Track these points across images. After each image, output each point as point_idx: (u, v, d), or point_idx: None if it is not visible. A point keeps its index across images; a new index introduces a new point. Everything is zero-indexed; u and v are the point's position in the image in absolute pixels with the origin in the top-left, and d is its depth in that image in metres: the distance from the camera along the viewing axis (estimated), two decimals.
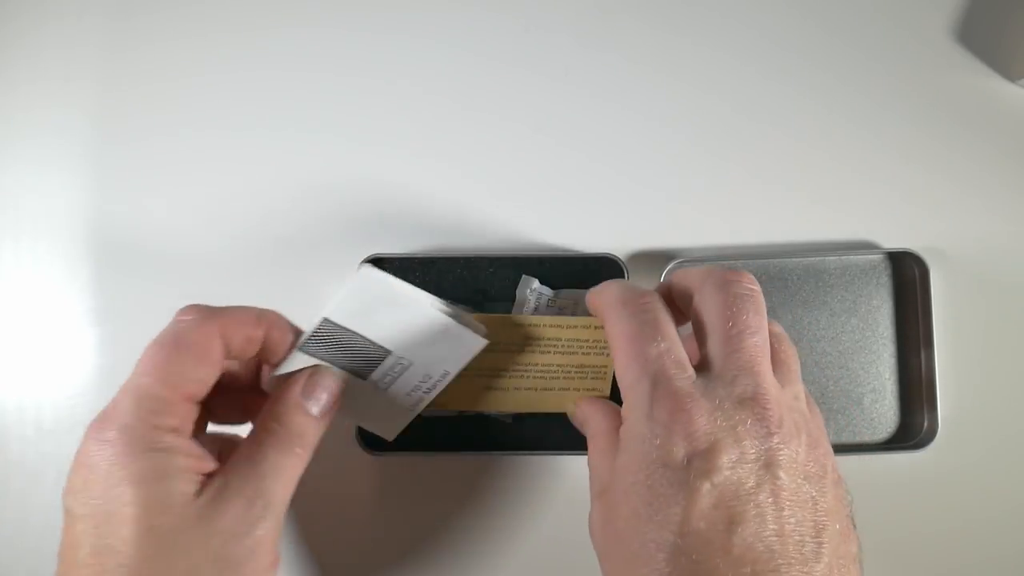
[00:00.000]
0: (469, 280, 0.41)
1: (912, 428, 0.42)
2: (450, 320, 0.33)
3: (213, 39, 0.44)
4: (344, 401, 0.33)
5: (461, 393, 0.36)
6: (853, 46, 0.44)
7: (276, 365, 0.32)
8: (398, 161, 0.43)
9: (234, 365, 0.33)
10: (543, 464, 0.42)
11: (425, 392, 0.34)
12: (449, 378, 0.34)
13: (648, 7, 0.44)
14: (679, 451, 0.25)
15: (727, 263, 0.43)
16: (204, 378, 0.27)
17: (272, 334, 0.30)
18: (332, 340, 0.32)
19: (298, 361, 0.32)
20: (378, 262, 0.41)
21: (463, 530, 0.42)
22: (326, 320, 0.32)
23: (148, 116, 0.44)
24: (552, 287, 0.41)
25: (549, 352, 0.36)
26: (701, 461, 0.25)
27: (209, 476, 0.26)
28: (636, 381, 0.27)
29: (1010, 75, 0.44)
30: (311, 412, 0.30)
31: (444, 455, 0.42)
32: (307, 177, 0.43)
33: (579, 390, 0.36)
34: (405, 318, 0.32)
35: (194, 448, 0.27)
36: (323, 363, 0.32)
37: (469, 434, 0.41)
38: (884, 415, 0.43)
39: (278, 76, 0.44)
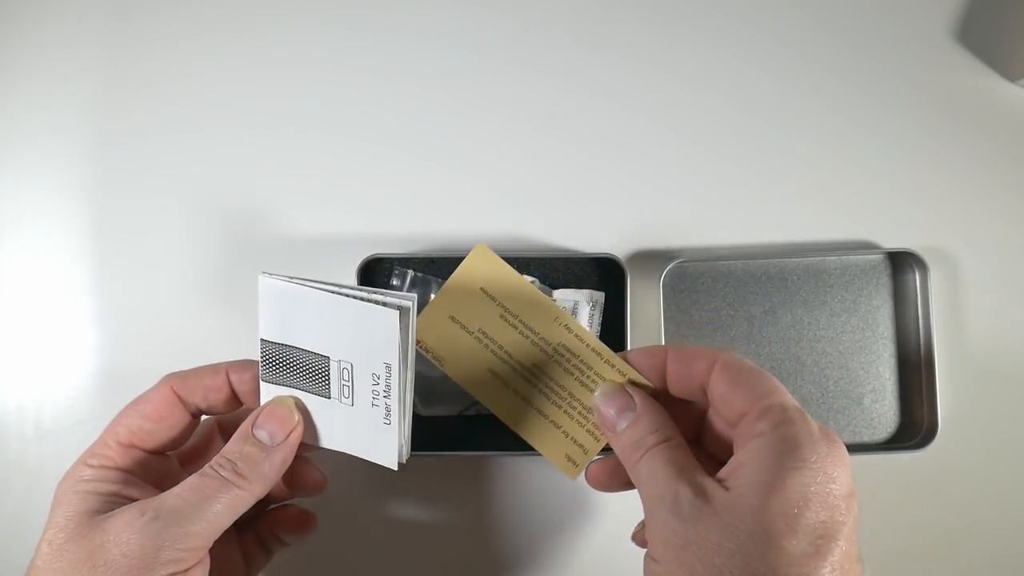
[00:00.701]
0: None
1: (912, 428, 0.42)
2: (355, 302, 0.30)
3: (213, 39, 0.44)
4: (327, 434, 0.33)
5: (464, 362, 0.33)
6: (853, 46, 0.44)
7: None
8: (398, 161, 0.43)
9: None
10: (543, 464, 0.42)
11: (385, 395, 0.31)
12: (396, 371, 0.31)
13: (648, 7, 0.44)
14: (845, 481, 0.26)
15: (727, 264, 0.43)
16: (151, 429, 0.32)
17: (232, 377, 0.33)
18: (278, 361, 0.32)
19: (267, 392, 0.32)
20: (378, 262, 0.41)
21: (463, 529, 0.42)
22: (262, 340, 0.32)
23: (148, 116, 0.44)
24: (552, 287, 0.41)
25: (559, 364, 0.33)
26: (853, 498, 0.26)
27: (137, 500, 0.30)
28: (793, 404, 0.28)
29: (1010, 75, 0.44)
30: (261, 440, 0.31)
31: (444, 455, 0.42)
32: (307, 177, 0.43)
33: (567, 435, 0.33)
34: (320, 316, 0.31)
35: (118, 477, 0.31)
36: (289, 391, 0.32)
37: (469, 434, 0.41)
38: (884, 415, 0.43)
39: (278, 76, 0.44)
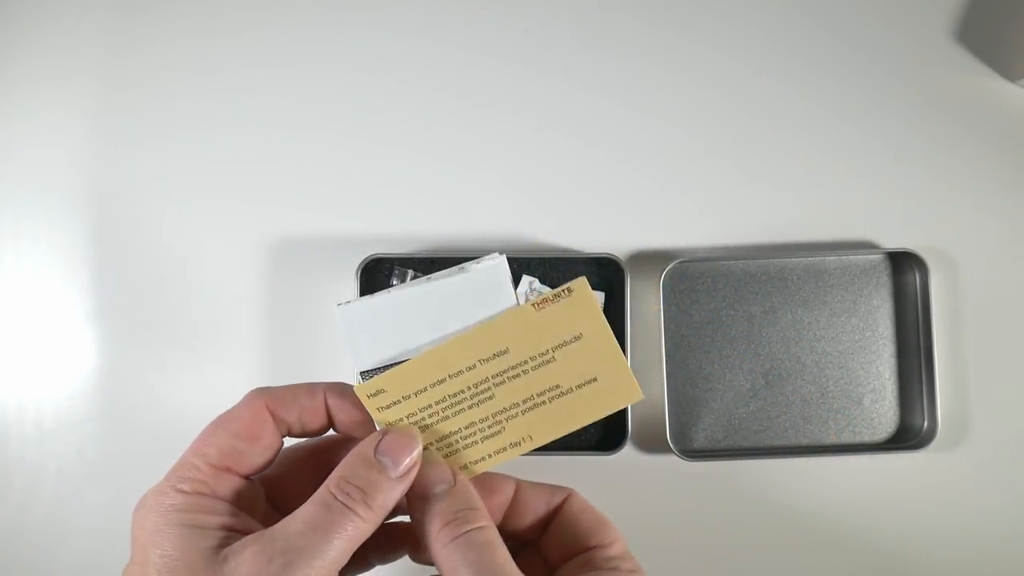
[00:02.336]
0: None
1: (912, 428, 0.42)
2: (458, 274, 0.30)
3: (213, 39, 0.44)
4: None
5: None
6: (853, 46, 0.44)
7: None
8: (399, 161, 0.43)
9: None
10: (543, 464, 0.42)
11: None
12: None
13: (649, 7, 0.44)
14: None
15: (727, 264, 0.43)
16: (244, 450, 0.29)
17: (330, 401, 0.30)
18: None
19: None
20: (378, 262, 0.41)
21: None
22: (361, 375, 0.30)
23: (148, 116, 0.44)
24: (551, 287, 0.41)
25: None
26: None
27: (246, 533, 0.27)
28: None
29: (1010, 75, 0.44)
30: (387, 472, 0.28)
31: None
32: (308, 177, 0.43)
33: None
34: (418, 311, 0.30)
35: (222, 508, 0.27)
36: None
37: None
38: (884, 415, 0.43)
39: (278, 76, 0.44)
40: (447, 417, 0.31)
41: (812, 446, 0.42)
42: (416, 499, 0.28)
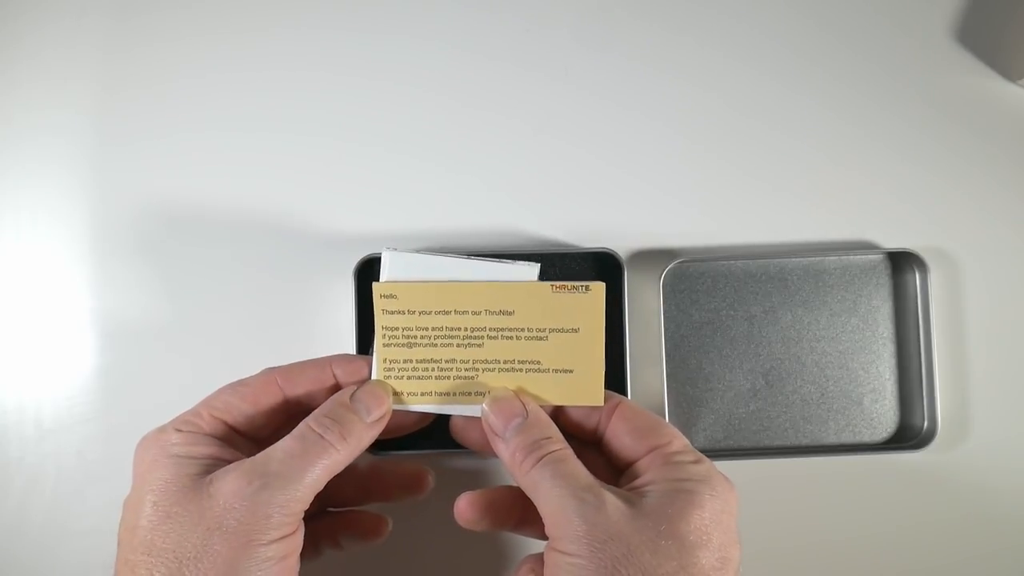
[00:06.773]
0: None
1: (912, 428, 0.42)
2: (495, 263, 0.33)
3: (213, 39, 0.44)
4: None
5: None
6: (853, 46, 0.44)
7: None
8: (397, 160, 0.43)
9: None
10: None
11: None
12: None
13: (649, 7, 0.44)
14: (736, 516, 0.31)
15: (727, 264, 0.43)
16: (245, 411, 0.32)
17: (336, 370, 0.34)
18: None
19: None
20: (375, 262, 0.41)
21: (463, 529, 0.42)
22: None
23: (148, 116, 0.44)
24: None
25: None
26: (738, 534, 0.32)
27: (231, 462, 0.30)
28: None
29: (1010, 75, 0.44)
30: (360, 415, 0.31)
31: (443, 454, 0.42)
32: (306, 176, 0.43)
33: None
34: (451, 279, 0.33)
35: (210, 442, 0.31)
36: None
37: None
38: (884, 415, 0.43)
39: (278, 76, 0.44)
40: (435, 345, 0.33)
41: (812, 446, 0.42)
42: (496, 441, 0.32)
